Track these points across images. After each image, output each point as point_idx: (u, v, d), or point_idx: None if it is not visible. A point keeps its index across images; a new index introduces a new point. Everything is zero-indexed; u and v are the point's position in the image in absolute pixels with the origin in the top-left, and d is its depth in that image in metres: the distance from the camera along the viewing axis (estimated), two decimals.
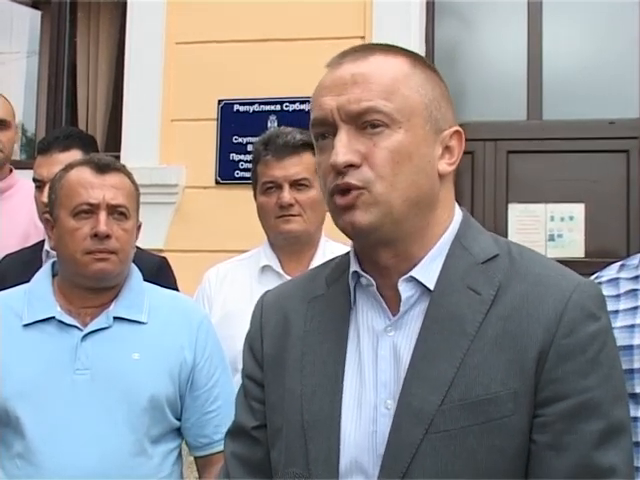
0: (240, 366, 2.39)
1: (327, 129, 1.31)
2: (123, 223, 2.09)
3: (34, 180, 2.88)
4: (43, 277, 2.18)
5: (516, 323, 1.25)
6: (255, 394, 1.46)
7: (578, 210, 4.26)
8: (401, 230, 1.31)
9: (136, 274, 2.20)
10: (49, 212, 2.16)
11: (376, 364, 1.31)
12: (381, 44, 1.37)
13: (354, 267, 1.37)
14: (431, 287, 1.31)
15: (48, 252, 2.88)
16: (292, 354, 1.39)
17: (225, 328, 2.37)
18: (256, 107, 4.40)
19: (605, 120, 4.30)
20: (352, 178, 1.28)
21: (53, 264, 2.21)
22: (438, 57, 4.49)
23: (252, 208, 2.62)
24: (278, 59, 4.36)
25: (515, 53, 4.50)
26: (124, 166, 2.19)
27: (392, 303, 1.33)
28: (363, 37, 4.25)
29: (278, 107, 4.36)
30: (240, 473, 1.45)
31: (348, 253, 1.44)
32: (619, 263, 2.20)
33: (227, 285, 2.55)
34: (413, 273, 1.32)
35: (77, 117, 5.09)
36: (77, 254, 2.05)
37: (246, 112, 4.41)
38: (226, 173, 4.42)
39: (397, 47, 1.37)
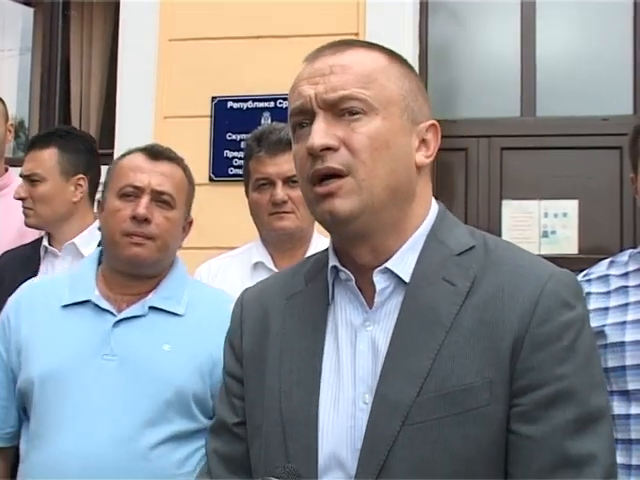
0: None
1: (305, 117, 1.32)
2: (166, 211, 2.08)
3: (19, 175, 2.92)
4: (89, 261, 2.19)
5: (491, 312, 1.26)
6: (235, 391, 1.46)
7: (572, 206, 4.26)
8: (378, 221, 1.31)
9: (180, 266, 2.19)
10: (102, 194, 2.18)
11: (354, 359, 1.32)
12: (358, 40, 1.40)
13: (333, 262, 1.38)
14: (406, 279, 1.32)
15: (47, 248, 2.89)
16: (271, 351, 1.39)
17: None
18: (250, 104, 4.39)
19: (598, 117, 4.31)
20: (333, 162, 1.28)
21: (102, 250, 2.20)
22: (432, 54, 4.49)
23: (246, 205, 2.62)
24: (272, 56, 4.35)
25: (509, 50, 4.49)
26: (182, 160, 2.19)
27: (370, 298, 1.34)
28: (357, 34, 4.25)
29: (272, 104, 4.36)
30: (221, 470, 1.45)
31: (326, 250, 1.44)
32: (608, 260, 2.21)
33: (219, 282, 2.54)
34: (388, 264, 1.32)
35: (70, 114, 5.07)
36: (116, 235, 2.05)
37: (240, 109, 4.40)
38: (220, 170, 4.41)
39: (373, 43, 1.39)
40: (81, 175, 2.88)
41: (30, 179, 2.88)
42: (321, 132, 1.28)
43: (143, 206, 2.04)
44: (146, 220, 2.03)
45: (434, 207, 1.40)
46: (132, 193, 2.06)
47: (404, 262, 1.32)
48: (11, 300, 2.19)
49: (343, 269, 1.36)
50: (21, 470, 2.03)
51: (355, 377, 1.31)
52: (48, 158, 2.87)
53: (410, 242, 1.34)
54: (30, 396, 2.01)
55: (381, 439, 1.24)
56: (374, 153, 1.28)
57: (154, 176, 2.07)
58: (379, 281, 1.32)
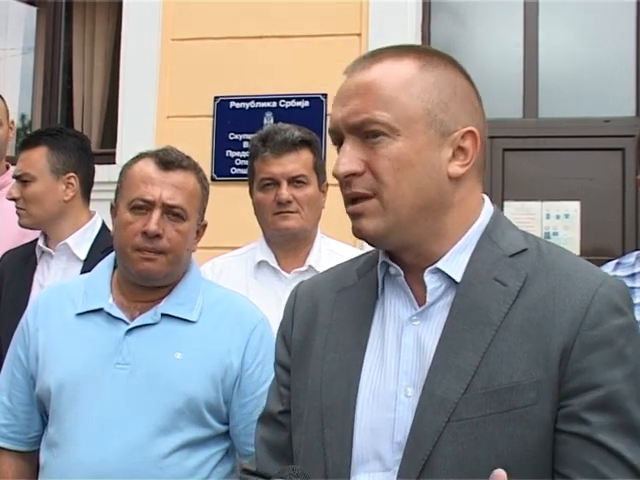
0: None
1: (338, 138, 1.36)
2: (178, 224, 2.05)
3: (12, 176, 2.91)
4: (104, 267, 2.17)
5: (541, 313, 1.27)
6: (284, 380, 1.49)
7: (574, 208, 4.26)
8: (412, 235, 1.33)
9: (195, 272, 2.17)
10: (115, 198, 2.14)
11: (399, 352, 1.33)
12: (394, 46, 1.38)
13: (383, 257, 1.40)
14: (457, 279, 1.33)
15: (42, 248, 2.88)
16: (317, 341, 1.42)
17: None
18: (252, 104, 4.39)
19: (601, 118, 4.31)
20: (358, 187, 1.32)
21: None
22: None
23: (248, 205, 2.62)
24: (274, 56, 4.35)
25: (511, 51, 4.50)
26: (195, 164, 2.16)
27: (419, 296, 1.36)
28: (359, 34, 4.25)
29: (274, 104, 4.36)
30: (267, 457, 1.49)
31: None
32: (615, 261, 2.21)
33: (223, 281, 2.53)
34: (439, 265, 1.34)
35: (73, 114, 5.07)
36: (127, 249, 2.03)
37: (242, 109, 4.40)
38: (222, 170, 4.41)
39: (409, 48, 1.39)
40: (72, 174, 2.86)
41: (21, 179, 2.87)
42: (345, 159, 1.31)
43: (154, 222, 2.00)
44: (157, 236, 2.01)
45: (488, 209, 1.40)
46: (143, 207, 2.02)
47: (455, 262, 1.34)
48: (30, 305, 2.19)
49: (392, 264, 1.37)
50: (40, 478, 2.04)
51: (399, 370, 1.32)
52: (38, 157, 2.86)
53: (461, 243, 1.35)
54: (47, 404, 2.03)
55: (426, 435, 1.25)
56: (397, 174, 1.29)
57: (165, 189, 2.03)
58: (430, 281, 1.34)
